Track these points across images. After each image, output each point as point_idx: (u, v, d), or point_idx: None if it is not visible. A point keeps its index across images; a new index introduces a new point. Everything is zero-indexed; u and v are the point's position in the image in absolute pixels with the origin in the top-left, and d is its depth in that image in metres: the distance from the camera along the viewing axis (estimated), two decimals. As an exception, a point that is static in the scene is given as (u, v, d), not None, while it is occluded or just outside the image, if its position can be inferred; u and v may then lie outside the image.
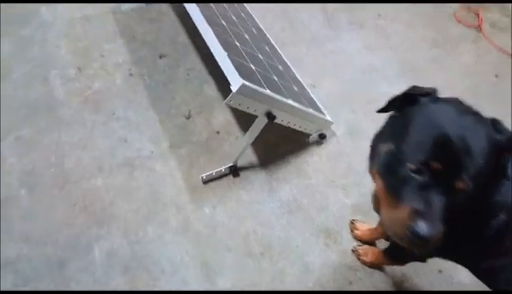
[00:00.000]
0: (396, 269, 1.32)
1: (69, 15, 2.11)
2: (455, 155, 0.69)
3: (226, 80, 1.28)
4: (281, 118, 1.46)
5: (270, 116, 1.39)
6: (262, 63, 1.59)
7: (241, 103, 1.30)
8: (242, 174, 1.59)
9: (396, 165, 0.73)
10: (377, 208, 0.83)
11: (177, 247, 1.40)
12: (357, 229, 1.39)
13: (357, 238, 1.39)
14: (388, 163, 0.75)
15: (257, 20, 2.09)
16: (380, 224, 0.79)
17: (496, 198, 0.79)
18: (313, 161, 1.64)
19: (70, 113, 1.81)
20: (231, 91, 1.25)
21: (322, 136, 1.69)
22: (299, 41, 2.19)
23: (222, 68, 1.34)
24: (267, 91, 1.34)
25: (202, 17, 1.52)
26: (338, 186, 1.54)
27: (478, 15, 2.40)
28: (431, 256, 1.02)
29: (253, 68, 1.45)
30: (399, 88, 2.05)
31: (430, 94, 0.79)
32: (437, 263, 1.38)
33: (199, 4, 1.61)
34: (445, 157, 0.69)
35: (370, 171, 0.85)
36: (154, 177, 1.59)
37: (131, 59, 2.02)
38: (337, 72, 2.06)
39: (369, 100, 1.90)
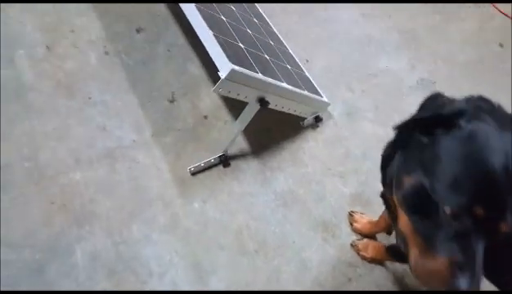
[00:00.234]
0: (397, 265, 1.23)
1: (32, -15, 1.84)
2: (500, 195, 0.56)
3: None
4: (275, 104, 1.30)
5: (263, 102, 1.23)
6: (252, 39, 1.39)
7: (231, 90, 1.13)
8: (233, 163, 1.45)
9: (428, 205, 0.59)
10: (394, 226, 0.70)
11: (166, 246, 1.28)
12: (357, 222, 1.28)
13: (356, 231, 1.28)
14: (417, 201, 0.62)
15: (243, -14, 1.85)
16: (410, 268, 0.66)
17: None
18: (309, 147, 1.49)
19: (42, 98, 1.61)
20: (218, 76, 1.07)
21: (318, 119, 1.54)
22: (290, 9, 1.96)
23: (208, 50, 1.16)
24: (260, 75, 1.16)
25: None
26: (335, 174, 1.42)
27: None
28: None
29: (243, 46, 1.26)
30: (399, 62, 1.86)
31: (463, 113, 0.62)
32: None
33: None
34: (488, 198, 0.56)
35: (385, 195, 0.74)
36: (138, 169, 1.44)
37: (105, 35, 1.79)
38: (332, 44, 1.86)
39: (367, 75, 1.73)
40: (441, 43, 1.89)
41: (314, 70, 1.68)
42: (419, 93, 1.68)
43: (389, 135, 1.58)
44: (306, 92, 1.38)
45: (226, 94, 1.14)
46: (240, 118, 1.31)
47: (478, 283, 0.57)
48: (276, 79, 1.24)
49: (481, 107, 0.64)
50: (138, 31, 1.81)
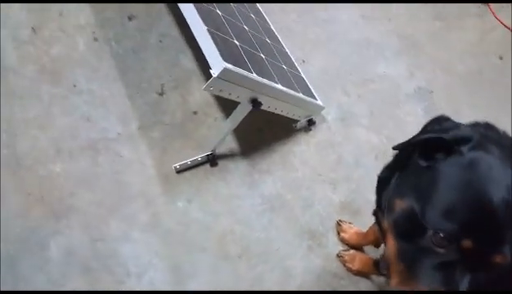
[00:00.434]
0: (383, 279, 1.20)
1: (20, -37, 1.74)
2: (496, 228, 0.52)
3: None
4: (268, 105, 1.25)
5: (255, 103, 1.17)
6: (248, 36, 1.33)
7: (223, 89, 1.07)
8: (221, 163, 1.39)
9: (417, 232, 0.56)
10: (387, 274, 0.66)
11: (145, 245, 1.23)
12: (344, 232, 1.24)
13: (343, 241, 1.24)
14: (406, 226, 0.59)
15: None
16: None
17: None
18: (300, 150, 1.44)
19: (24, 83, 1.53)
20: (210, 74, 1.01)
21: (311, 122, 1.49)
22: (289, 7, 1.90)
23: (201, 45, 1.09)
24: (254, 76, 1.11)
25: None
26: (325, 181, 1.37)
27: (486, -15, 2.13)
28: None
29: (238, 44, 1.20)
30: (397, 68, 1.80)
31: (467, 140, 0.59)
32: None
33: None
34: (481, 231, 0.53)
35: (377, 214, 0.71)
36: (121, 164, 1.37)
37: (95, 20, 1.70)
38: (330, 45, 1.80)
39: (364, 80, 1.68)
40: (440, 51, 1.85)
41: (310, 71, 1.63)
42: (416, 102, 1.64)
43: (383, 142, 1.54)
44: (300, 95, 1.32)
45: (217, 93, 1.08)
46: (230, 117, 1.25)
47: None
48: (270, 80, 1.18)
49: (486, 136, 0.61)
50: (130, 18, 1.73)
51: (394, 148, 0.68)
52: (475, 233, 0.52)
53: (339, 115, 1.56)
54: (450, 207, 0.54)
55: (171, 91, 1.55)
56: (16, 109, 1.47)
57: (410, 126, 1.53)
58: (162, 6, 1.77)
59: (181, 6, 1.22)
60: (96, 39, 1.65)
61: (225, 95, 1.09)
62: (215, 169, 1.38)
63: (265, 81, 1.14)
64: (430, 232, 0.54)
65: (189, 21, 1.17)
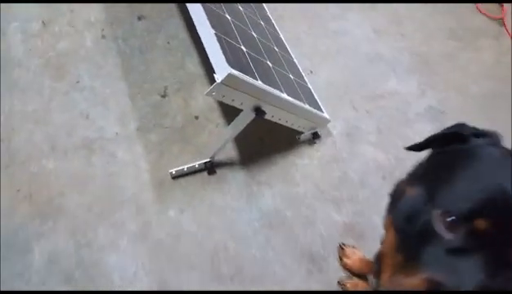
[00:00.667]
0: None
1: (35, -44, 1.60)
2: None
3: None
4: (272, 114, 1.08)
5: (259, 111, 1.01)
6: (256, 43, 1.16)
7: (226, 95, 0.92)
8: (219, 172, 1.22)
9: (421, 214, 0.45)
10: (377, 274, 0.52)
11: (132, 257, 1.06)
12: (347, 257, 1.05)
13: (345, 267, 1.06)
14: (409, 210, 0.48)
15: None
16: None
17: None
18: (303, 164, 1.27)
19: (28, 76, 1.39)
20: (214, 80, 0.86)
21: (316, 136, 1.31)
22: (299, 16, 1.73)
23: (207, 48, 0.95)
24: (259, 83, 0.94)
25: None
26: (328, 199, 1.19)
27: (502, 5, 1.93)
28: None
29: (245, 50, 1.03)
30: (408, 86, 1.59)
31: (489, 136, 0.52)
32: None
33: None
34: (497, 214, 0.41)
35: (385, 223, 0.55)
36: (115, 165, 1.21)
37: (105, 18, 1.56)
38: (340, 57, 1.63)
39: (373, 95, 1.50)
40: (454, 72, 1.66)
41: (317, 83, 1.45)
42: (427, 121, 1.46)
43: (391, 162, 1.35)
44: (306, 106, 1.15)
45: (219, 98, 0.92)
46: (232, 124, 1.08)
47: None
48: (276, 89, 1.02)
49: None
50: (140, 18, 1.58)
51: (409, 148, 0.62)
52: (490, 215, 0.41)
53: (346, 130, 1.38)
54: (463, 187, 0.44)
55: (174, 94, 1.39)
56: (16, 102, 1.32)
57: (420, 147, 1.34)
58: (173, 8, 1.62)
59: (190, 8, 1.07)
60: (103, 36, 1.51)
61: (227, 101, 0.93)
62: (212, 178, 1.21)
63: (270, 89, 0.97)
64: (438, 212, 0.44)
65: (197, 24, 1.02)
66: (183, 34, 1.55)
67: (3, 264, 1.03)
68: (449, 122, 0.62)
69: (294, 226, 1.12)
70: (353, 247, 1.08)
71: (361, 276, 1.04)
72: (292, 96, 1.08)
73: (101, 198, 1.15)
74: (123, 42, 1.50)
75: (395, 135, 1.38)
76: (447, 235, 0.42)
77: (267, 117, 1.07)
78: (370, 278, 1.01)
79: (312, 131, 1.30)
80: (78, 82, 1.39)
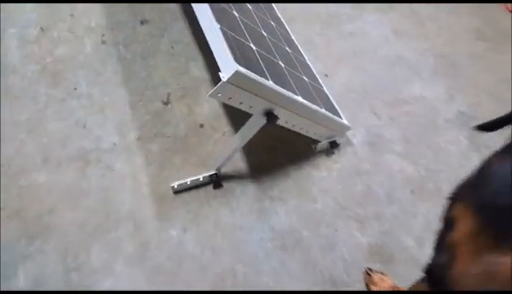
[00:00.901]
0: None
1: (35, -38, 1.60)
2: None
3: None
4: (285, 120, 0.99)
5: (270, 116, 0.92)
6: (266, 42, 1.09)
7: (233, 96, 0.83)
8: (226, 185, 1.13)
9: None
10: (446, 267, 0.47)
11: (128, 282, 0.97)
12: (375, 285, 0.94)
13: (372, 297, 0.94)
14: (502, 183, 0.43)
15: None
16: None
17: None
18: (320, 177, 1.17)
19: (22, 83, 1.35)
20: (219, 79, 0.78)
21: (334, 145, 1.22)
22: (312, 17, 1.67)
23: (211, 45, 0.87)
24: (270, 83, 0.86)
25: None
26: (351, 216, 1.08)
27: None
28: None
29: (254, 48, 0.96)
30: (435, 90, 1.47)
31: None
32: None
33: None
34: None
35: (455, 213, 0.49)
36: (112, 179, 1.14)
37: (106, 23, 1.52)
38: (357, 60, 1.55)
39: (396, 101, 1.41)
40: (484, 74, 1.56)
41: (333, 87, 1.37)
42: (458, 128, 1.35)
43: (421, 174, 1.24)
44: (323, 111, 1.06)
45: (225, 100, 0.84)
46: (240, 131, 1.00)
47: None
48: (289, 91, 0.93)
49: None
50: (142, 23, 1.54)
51: (479, 127, 0.57)
52: None
53: (367, 139, 1.28)
54: None
55: (177, 101, 1.32)
56: (8, 110, 1.28)
57: (453, 157, 1.24)
58: (177, 12, 1.58)
59: (194, 5, 1.01)
60: (104, 42, 1.47)
61: (234, 103, 0.85)
62: (218, 192, 1.12)
63: (283, 90, 0.89)
64: None
65: (200, 19, 0.95)
66: (188, 39, 1.50)
67: (-16, 289, 0.95)
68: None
69: (313, 248, 1.01)
70: (381, 273, 0.97)
71: (392, 307, 0.92)
72: (307, 100, 1.00)
73: (94, 215, 1.07)
74: (125, 47, 1.46)
75: (424, 145, 1.27)
76: None
77: (279, 122, 0.98)
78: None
79: (330, 140, 1.21)
80: (75, 89, 1.35)
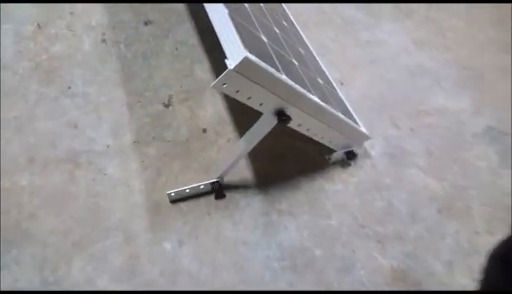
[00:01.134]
0: None
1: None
2: None
3: (224, 58, 0.74)
4: (298, 122, 0.94)
5: (282, 116, 0.86)
6: (278, 38, 1.05)
7: (240, 89, 0.77)
8: (229, 195, 1.07)
9: None
10: None
11: (112, 300, 0.88)
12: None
13: (396, 329, 0.85)
14: None
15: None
16: None
17: None
18: (335, 190, 1.10)
19: (14, 80, 1.32)
20: (225, 67, 0.71)
21: (351, 156, 1.15)
22: (325, 23, 1.66)
23: (218, 32, 0.81)
24: (283, 77, 0.81)
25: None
26: (370, 236, 1.00)
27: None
28: None
29: (266, 40, 0.92)
30: (459, 102, 1.42)
31: None
32: None
33: None
34: None
35: None
36: (103, 184, 1.08)
37: (108, 22, 1.51)
38: (375, 68, 1.51)
39: (418, 111, 1.36)
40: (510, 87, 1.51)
41: (350, 95, 1.33)
42: (487, 144, 1.28)
43: (447, 192, 1.16)
44: (340, 115, 1.01)
45: (231, 93, 0.78)
46: (247, 134, 0.94)
47: None
48: (304, 88, 0.88)
49: None
50: (146, 23, 1.52)
51: None
52: None
53: (387, 150, 1.22)
54: None
55: (179, 104, 1.28)
56: (-4, 107, 1.23)
57: (482, 174, 1.16)
58: (183, 13, 1.57)
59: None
60: (104, 41, 1.45)
61: (242, 98, 0.79)
62: (220, 203, 1.05)
63: (298, 87, 0.84)
64: None
65: (208, 10, 0.91)
66: (193, 40, 1.48)
67: None
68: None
69: (326, 270, 0.93)
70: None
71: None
72: (323, 101, 0.95)
73: (80, 223, 1.00)
74: (125, 46, 1.44)
75: (450, 159, 1.20)
76: None
77: (291, 125, 0.93)
78: None
79: (346, 150, 1.15)
80: (69, 87, 1.31)
